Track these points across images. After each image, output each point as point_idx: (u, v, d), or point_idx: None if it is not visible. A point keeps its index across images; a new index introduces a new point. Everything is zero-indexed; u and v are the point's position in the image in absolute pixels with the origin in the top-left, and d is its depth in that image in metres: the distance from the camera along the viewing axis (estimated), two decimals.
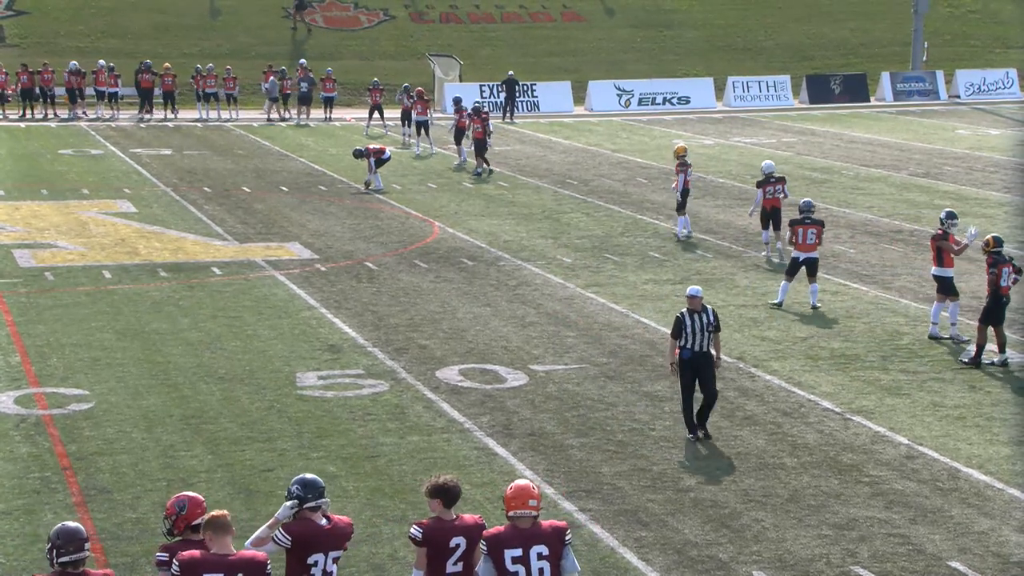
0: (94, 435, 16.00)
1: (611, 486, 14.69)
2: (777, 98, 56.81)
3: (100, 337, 20.34)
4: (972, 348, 19.80)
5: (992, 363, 19.46)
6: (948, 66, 60.90)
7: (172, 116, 49.55)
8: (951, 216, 21.15)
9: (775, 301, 22.76)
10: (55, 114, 49.37)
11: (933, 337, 20.74)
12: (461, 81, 54.31)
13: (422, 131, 41.67)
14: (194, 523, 9.04)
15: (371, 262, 25.94)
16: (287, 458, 15.32)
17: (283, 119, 49.49)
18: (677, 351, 16.02)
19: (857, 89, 57.76)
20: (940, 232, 20.90)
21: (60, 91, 49.63)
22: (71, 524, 8.63)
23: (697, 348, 15.94)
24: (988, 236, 20.11)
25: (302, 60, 51.69)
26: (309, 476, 9.30)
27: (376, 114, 46.65)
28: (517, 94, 52.34)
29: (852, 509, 14.13)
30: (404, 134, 44.09)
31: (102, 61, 50.77)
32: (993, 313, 19.47)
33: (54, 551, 8.51)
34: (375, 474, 14.91)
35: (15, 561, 12.55)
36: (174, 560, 8.68)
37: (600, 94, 54.97)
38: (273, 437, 16.05)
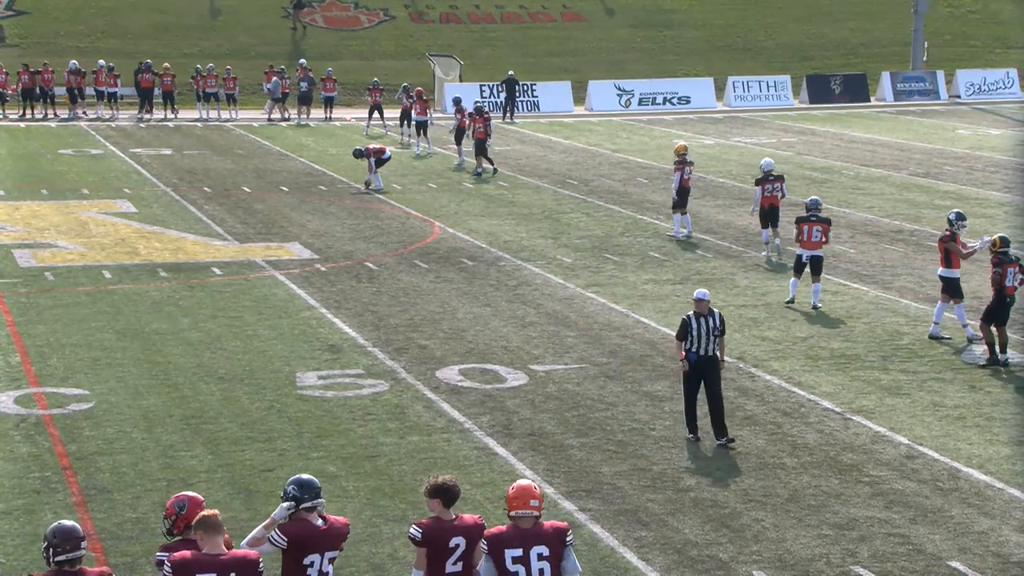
0: (94, 435, 16.00)
1: (611, 486, 14.69)
2: (777, 98, 56.81)
3: (100, 337, 20.34)
4: (975, 347, 19.82)
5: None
6: (948, 66, 60.91)
7: (172, 116, 49.57)
8: (960, 217, 21.09)
9: (787, 299, 22.75)
10: (55, 114, 49.38)
11: (934, 337, 20.74)
12: (461, 81, 54.30)
13: (421, 131, 41.67)
14: (194, 523, 9.04)
15: (371, 262, 25.93)
16: (287, 458, 15.32)
17: (284, 119, 49.49)
18: (683, 353, 15.96)
19: (857, 89, 57.75)
20: (948, 233, 20.77)
21: (60, 91, 49.64)
22: (67, 523, 8.63)
23: (702, 352, 15.87)
24: (995, 236, 20.05)
25: (302, 60, 51.69)
26: (305, 477, 9.30)
27: (376, 114, 46.66)
28: (517, 94, 52.33)
29: (852, 509, 14.12)
30: (402, 134, 44.17)
31: (102, 61, 50.77)
32: (997, 313, 19.44)
33: (50, 550, 8.51)
34: (375, 474, 14.91)
35: (15, 561, 12.55)
36: (166, 561, 8.67)
37: (600, 94, 54.97)
38: (273, 437, 16.05)
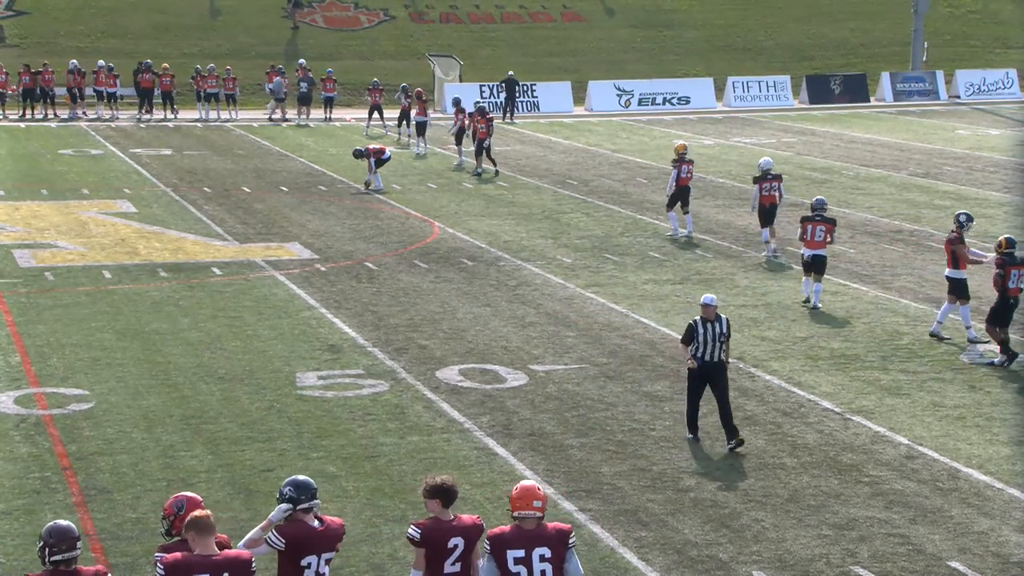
0: (94, 435, 16.00)
1: (611, 486, 14.69)
2: (777, 98, 56.81)
3: (100, 337, 20.34)
4: (979, 347, 19.84)
5: (992, 363, 19.46)
6: (948, 66, 60.91)
7: (172, 116, 49.57)
8: (970, 219, 21.06)
9: (804, 299, 22.70)
10: (55, 114, 49.38)
11: (934, 335, 20.72)
12: (461, 81, 54.30)
13: (420, 132, 41.65)
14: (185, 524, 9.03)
15: (371, 262, 25.94)
16: (287, 458, 15.32)
17: (284, 119, 49.47)
18: (690, 356, 15.89)
19: (857, 89, 57.75)
20: (956, 236, 20.69)
21: (61, 91, 49.64)
22: (62, 523, 8.63)
23: (708, 357, 15.80)
24: (1001, 237, 19.98)
25: (301, 60, 51.69)
26: (301, 478, 9.30)
27: (376, 114, 46.66)
28: (517, 94, 52.34)
29: (852, 509, 14.13)
30: (400, 134, 44.20)
31: (101, 61, 50.78)
32: (1000, 314, 19.40)
33: (46, 549, 8.52)
34: (375, 474, 14.91)
35: (15, 561, 12.55)
36: (158, 563, 8.67)
37: (600, 94, 54.97)
38: (273, 437, 16.05)
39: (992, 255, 20.33)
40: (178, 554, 8.68)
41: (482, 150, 36.97)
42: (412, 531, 9.33)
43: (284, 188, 34.63)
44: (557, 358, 19.52)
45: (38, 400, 17.37)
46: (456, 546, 9.27)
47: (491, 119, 37.54)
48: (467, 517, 9.47)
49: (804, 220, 22.86)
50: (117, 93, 49.61)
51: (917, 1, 59.56)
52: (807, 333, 21.16)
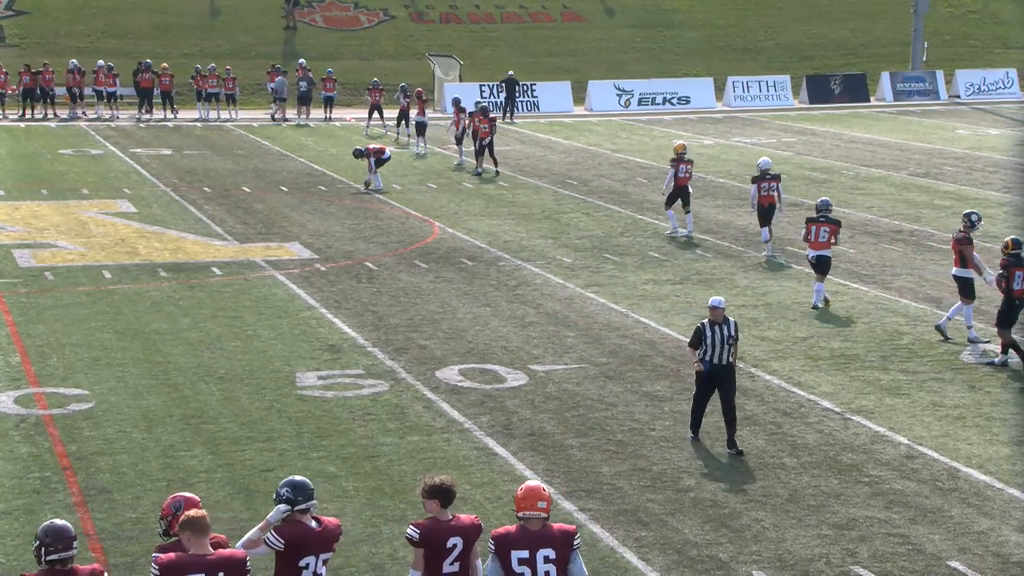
0: (94, 435, 16.00)
1: (611, 486, 14.69)
2: (777, 98, 56.81)
3: (100, 337, 20.34)
4: (980, 347, 19.84)
5: (992, 363, 19.46)
6: (948, 66, 60.91)
7: (172, 116, 49.57)
8: (979, 219, 21.03)
9: (814, 302, 22.62)
10: (55, 114, 49.39)
11: (939, 328, 20.66)
12: (461, 81, 54.30)
13: (420, 132, 41.65)
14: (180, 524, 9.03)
15: (371, 262, 25.94)
16: (287, 458, 15.32)
17: (285, 119, 49.48)
18: (697, 360, 15.85)
19: (857, 89, 57.75)
20: (964, 236, 20.63)
21: (61, 91, 49.65)
22: (59, 522, 8.62)
23: (716, 360, 15.74)
24: (1007, 238, 19.91)
25: (301, 60, 51.69)
26: (298, 479, 9.29)
27: (376, 114, 46.67)
28: (517, 94, 52.34)
29: (852, 509, 14.12)
30: (399, 133, 44.22)
31: (101, 61, 50.78)
32: (1007, 316, 19.35)
33: (42, 549, 8.51)
34: (375, 474, 14.91)
35: (15, 561, 12.55)
36: (153, 564, 8.66)
37: (600, 94, 54.97)
38: (273, 437, 16.05)
39: (994, 275, 20.12)
40: (172, 554, 8.67)
41: (483, 150, 36.97)
42: (411, 531, 9.33)
43: (284, 188, 34.63)
44: (557, 358, 19.52)
45: (38, 400, 17.37)
46: (455, 546, 9.27)
47: (494, 119, 37.53)
48: (465, 517, 9.47)
49: (809, 221, 22.87)
50: (117, 93, 49.63)
51: (917, 1, 59.56)
52: (807, 333, 21.16)
